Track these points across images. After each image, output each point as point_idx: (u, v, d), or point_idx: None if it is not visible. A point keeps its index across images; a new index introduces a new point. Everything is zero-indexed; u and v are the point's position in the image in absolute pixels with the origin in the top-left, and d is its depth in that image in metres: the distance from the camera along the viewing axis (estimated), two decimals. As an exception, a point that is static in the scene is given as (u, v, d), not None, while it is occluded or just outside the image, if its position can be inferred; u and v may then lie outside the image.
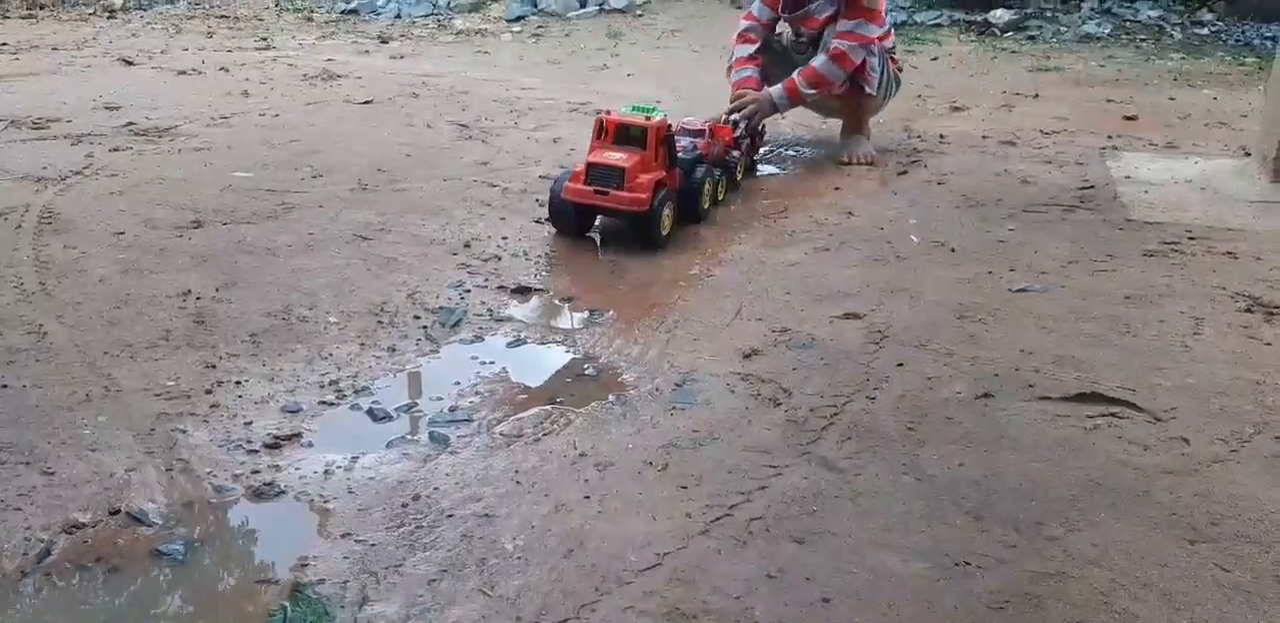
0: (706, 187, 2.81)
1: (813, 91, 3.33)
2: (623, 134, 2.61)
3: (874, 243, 2.70)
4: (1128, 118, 4.16)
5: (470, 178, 3.20)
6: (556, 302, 2.31)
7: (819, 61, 3.29)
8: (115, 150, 3.33)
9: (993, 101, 4.51)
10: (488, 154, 3.47)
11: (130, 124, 3.69)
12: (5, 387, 1.79)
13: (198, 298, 2.16)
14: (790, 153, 3.70)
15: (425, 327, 2.12)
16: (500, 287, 2.36)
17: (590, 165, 2.54)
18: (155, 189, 2.89)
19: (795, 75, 3.31)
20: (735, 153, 3.11)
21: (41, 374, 1.84)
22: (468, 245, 2.59)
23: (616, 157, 2.53)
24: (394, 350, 2.01)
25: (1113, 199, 3.08)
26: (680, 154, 2.75)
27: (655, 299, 2.33)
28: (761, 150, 3.51)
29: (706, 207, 2.84)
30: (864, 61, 3.33)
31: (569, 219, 2.62)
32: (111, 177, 3.02)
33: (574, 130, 3.82)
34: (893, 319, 2.21)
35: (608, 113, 2.64)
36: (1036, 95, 4.59)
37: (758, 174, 3.36)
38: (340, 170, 3.19)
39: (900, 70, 3.60)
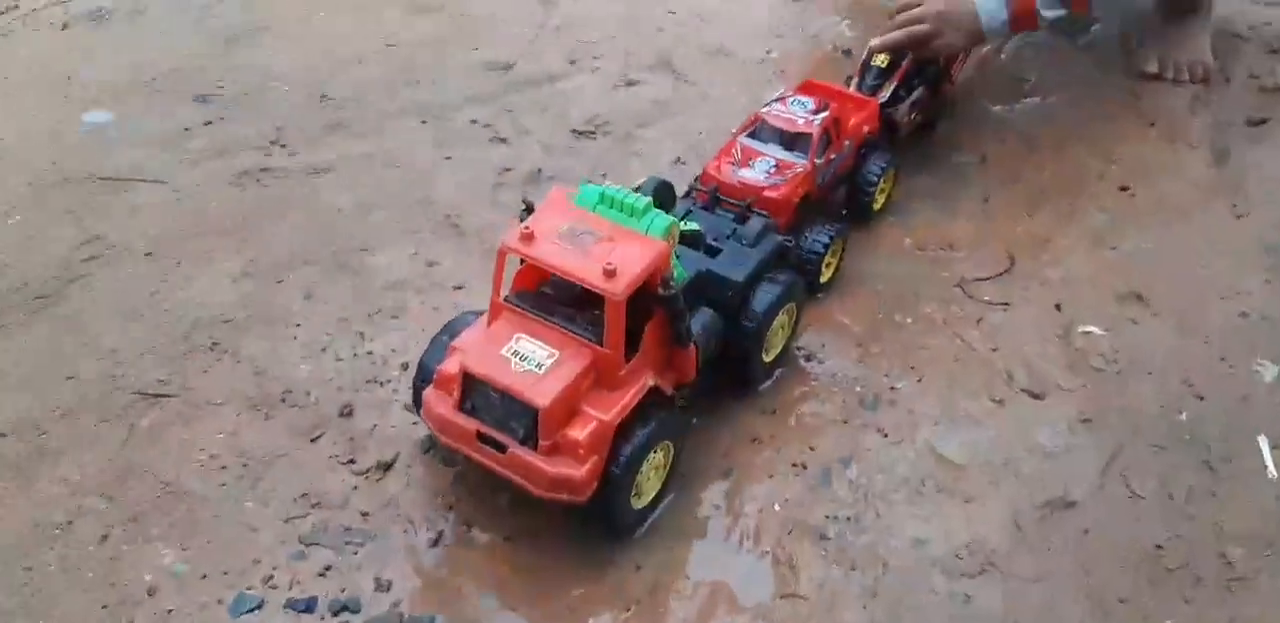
0: (780, 329, 1.23)
1: (1062, 12, 1.39)
2: (564, 289, 1.06)
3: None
4: None
5: (428, 219, 1.74)
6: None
7: None
8: (111, 252, 2.42)
9: None
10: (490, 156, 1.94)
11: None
12: None
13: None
14: (1034, 56, 1.69)
15: None
16: (340, 607, 1.20)
17: (468, 379, 1.04)
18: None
19: None
20: (876, 168, 1.42)
21: None
22: (351, 440, 1.39)
23: (530, 362, 1.01)
24: None
25: None
26: (724, 265, 1.18)
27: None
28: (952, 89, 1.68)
29: (782, 349, 1.27)
30: None
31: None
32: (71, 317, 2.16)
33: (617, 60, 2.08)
34: None
35: (530, 231, 1.02)
36: None
37: (936, 132, 1.66)
38: (292, 262, 1.81)
39: None
